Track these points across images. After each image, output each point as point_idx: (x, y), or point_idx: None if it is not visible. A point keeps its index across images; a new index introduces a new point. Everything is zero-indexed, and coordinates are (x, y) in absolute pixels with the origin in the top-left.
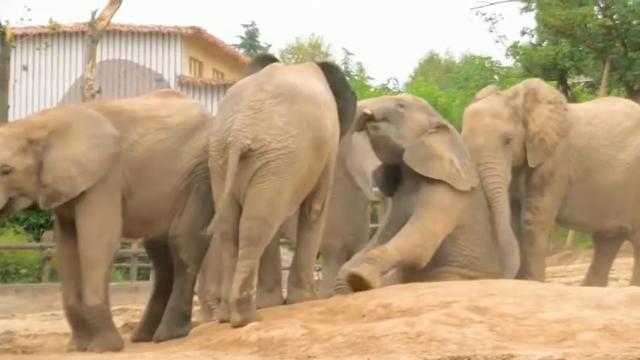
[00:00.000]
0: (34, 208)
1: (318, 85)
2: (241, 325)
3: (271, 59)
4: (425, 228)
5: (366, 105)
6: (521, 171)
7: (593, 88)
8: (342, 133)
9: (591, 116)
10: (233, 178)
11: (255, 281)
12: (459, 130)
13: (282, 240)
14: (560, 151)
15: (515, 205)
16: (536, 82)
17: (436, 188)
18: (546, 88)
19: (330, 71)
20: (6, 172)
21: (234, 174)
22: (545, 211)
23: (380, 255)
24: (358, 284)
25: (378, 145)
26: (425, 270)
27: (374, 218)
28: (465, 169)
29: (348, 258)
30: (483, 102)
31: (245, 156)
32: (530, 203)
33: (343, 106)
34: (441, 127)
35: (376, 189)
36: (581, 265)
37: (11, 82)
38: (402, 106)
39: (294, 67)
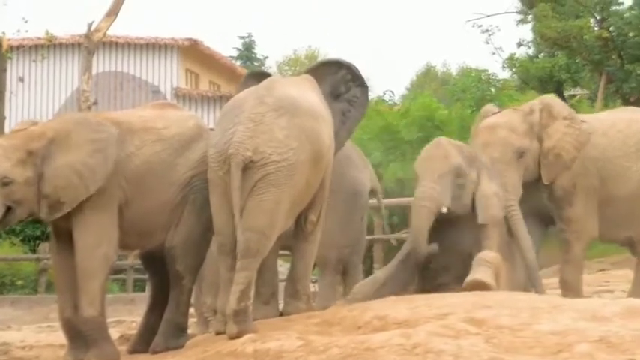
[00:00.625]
0: (31, 220)
1: (315, 98)
2: (237, 336)
3: (265, 75)
4: None
5: (433, 195)
6: (541, 186)
7: (591, 101)
8: (357, 121)
9: (607, 127)
10: (238, 191)
11: (252, 293)
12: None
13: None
14: (578, 164)
15: (531, 217)
16: (550, 98)
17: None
18: (560, 104)
19: (335, 70)
20: (6, 184)
21: (238, 187)
22: (578, 220)
23: (492, 258)
24: (480, 289)
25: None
26: (440, 283)
27: (370, 230)
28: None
29: (344, 270)
30: (500, 116)
31: (245, 168)
32: (560, 215)
33: (354, 96)
34: (485, 168)
35: (372, 201)
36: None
37: (7, 94)
38: (460, 176)
39: (291, 79)
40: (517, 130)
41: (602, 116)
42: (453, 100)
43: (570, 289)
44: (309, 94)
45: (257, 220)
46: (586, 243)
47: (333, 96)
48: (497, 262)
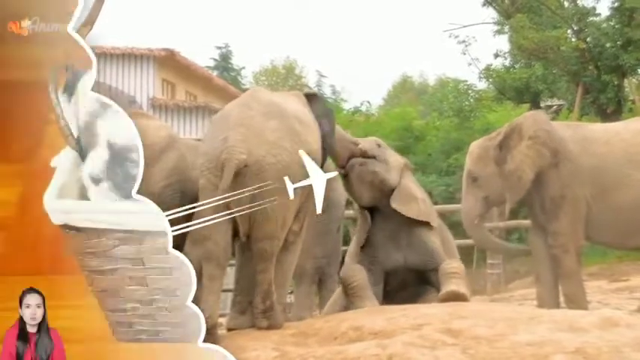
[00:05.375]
0: None
1: (300, 107)
2: (268, 329)
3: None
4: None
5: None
6: (533, 199)
7: (568, 111)
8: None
9: (611, 135)
10: (225, 192)
11: (273, 289)
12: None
13: None
14: (569, 174)
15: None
16: (525, 116)
17: (423, 229)
18: (530, 123)
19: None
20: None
21: (226, 188)
22: (564, 233)
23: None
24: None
25: (366, 180)
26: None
27: (346, 240)
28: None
29: (320, 280)
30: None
31: (241, 172)
32: (548, 229)
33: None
34: (407, 167)
35: (348, 212)
36: None
37: None
38: (379, 145)
39: (277, 93)
40: (472, 154)
41: (610, 125)
42: (430, 111)
43: (573, 301)
44: (293, 104)
45: (269, 228)
46: (575, 253)
47: None
48: (463, 272)
